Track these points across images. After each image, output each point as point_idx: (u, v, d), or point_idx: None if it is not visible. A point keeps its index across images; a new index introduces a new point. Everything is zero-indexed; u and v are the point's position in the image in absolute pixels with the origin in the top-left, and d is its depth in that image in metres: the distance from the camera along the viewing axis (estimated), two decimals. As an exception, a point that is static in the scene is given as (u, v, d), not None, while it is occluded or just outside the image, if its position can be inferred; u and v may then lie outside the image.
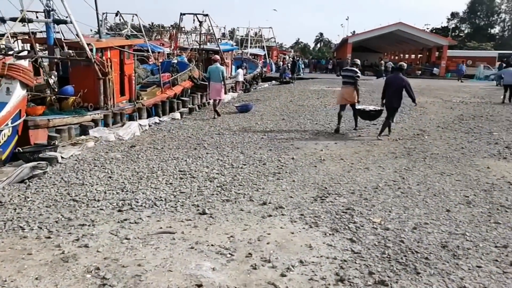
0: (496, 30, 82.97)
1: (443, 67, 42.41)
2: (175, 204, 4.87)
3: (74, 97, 12.53)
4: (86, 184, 5.71)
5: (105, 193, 5.31)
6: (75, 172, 6.33)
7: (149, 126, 11.08)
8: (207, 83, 22.52)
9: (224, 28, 53.09)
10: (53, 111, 11.55)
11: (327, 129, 10.33)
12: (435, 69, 42.53)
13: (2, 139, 9.12)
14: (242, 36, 51.09)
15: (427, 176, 6.28)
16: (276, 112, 13.63)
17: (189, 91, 19.69)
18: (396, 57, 62.45)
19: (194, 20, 27.20)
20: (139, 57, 26.87)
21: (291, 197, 5.21)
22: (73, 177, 6.07)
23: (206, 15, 26.57)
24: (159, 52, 29.01)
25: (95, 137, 9.39)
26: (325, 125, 10.96)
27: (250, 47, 48.17)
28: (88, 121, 11.17)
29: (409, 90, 9.73)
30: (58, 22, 12.06)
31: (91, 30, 29.78)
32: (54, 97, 12.13)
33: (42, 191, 5.44)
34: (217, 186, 5.62)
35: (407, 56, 58.74)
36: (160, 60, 22.77)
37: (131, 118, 13.38)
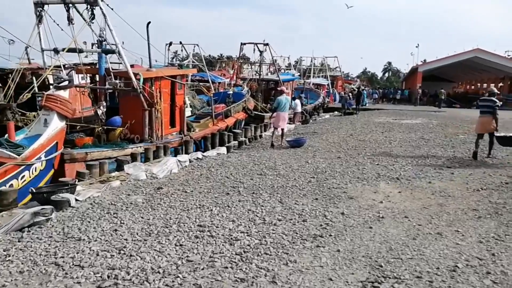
0: None
1: (528, 97, 38.01)
2: (172, 282, 3.70)
3: (121, 128, 12.14)
4: (83, 240, 4.75)
5: (97, 255, 4.29)
6: (81, 221, 5.44)
7: (190, 162, 10.19)
8: (263, 114, 21.94)
9: (288, 58, 52.92)
10: (98, 144, 11.18)
11: (389, 173, 8.70)
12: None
13: (33, 173, 8.69)
14: (307, 66, 50.33)
15: (528, 252, 4.54)
16: (332, 148, 12.18)
17: (243, 122, 18.88)
18: (473, 87, 57.85)
19: (254, 50, 26.83)
20: (197, 87, 26.99)
21: (331, 279, 3.80)
22: (76, 228, 5.17)
23: (267, 44, 26.08)
24: (219, 83, 28.95)
25: (127, 174, 8.65)
26: (388, 167, 9.33)
27: (314, 76, 47.18)
28: (127, 154, 10.58)
29: None
30: (106, 52, 11.82)
31: (156, 61, 30.64)
32: (100, 128, 11.82)
33: (31, 246, 4.56)
34: (236, 254, 4.37)
35: (485, 85, 54.04)
36: (221, 90, 22.43)
37: (176, 151, 12.71)
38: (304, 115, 27.03)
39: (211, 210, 5.95)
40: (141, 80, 11.86)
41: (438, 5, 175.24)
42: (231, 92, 20.15)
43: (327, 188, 7.37)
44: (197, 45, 27.34)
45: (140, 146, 11.34)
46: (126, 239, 4.78)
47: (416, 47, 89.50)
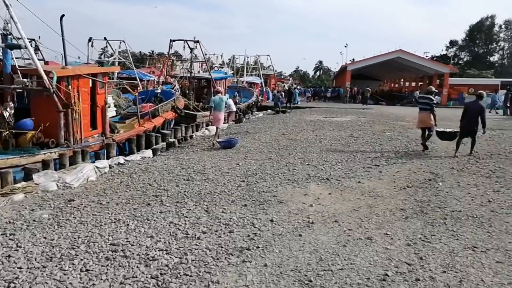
0: (495, 58, 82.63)
1: (445, 95, 41.12)
2: (68, 322, 3.09)
3: (32, 132, 10.93)
4: (-38, 273, 3.93)
5: (-23, 293, 3.54)
6: (-35, 247, 4.56)
7: (110, 168, 9.36)
8: (195, 113, 21.26)
9: (222, 56, 52.43)
10: (2, 150, 9.92)
11: (319, 173, 8.59)
12: (436, 97, 41.10)
13: None
14: (241, 64, 50.17)
15: (454, 253, 4.50)
16: (264, 148, 11.93)
17: (172, 122, 18.08)
18: (396, 85, 61.47)
19: (184, 47, 26.00)
20: (124, 85, 25.58)
21: (256, 301, 3.42)
22: (-44, 256, 4.30)
23: (197, 41, 25.41)
24: (148, 81, 27.69)
25: (36, 184, 7.67)
26: (318, 167, 9.23)
27: (247, 75, 47.16)
28: (38, 162, 9.49)
29: (484, 117, 10.50)
30: (11, 47, 10.53)
31: (78, 58, 28.59)
32: (7, 132, 10.52)
33: None
34: (151, 277, 3.84)
35: (407, 83, 57.69)
36: (159, 88, 21.33)
37: (97, 156, 11.71)
38: (238, 113, 26.75)
39: (128, 224, 5.33)
40: (54, 78, 10.76)
41: (364, 8, 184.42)
42: (159, 90, 19.24)
43: (257, 192, 7.03)
44: (123, 41, 25.95)
45: (54, 152, 10.25)
46: (20, 268, 4.03)
47: (345, 46, 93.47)
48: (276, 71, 70.87)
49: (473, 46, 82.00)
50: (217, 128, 13.77)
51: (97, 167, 8.75)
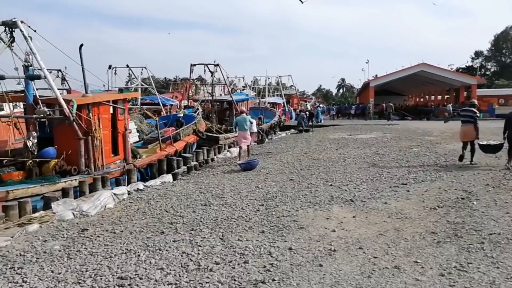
0: (524, 66, 79.90)
1: (475, 107, 39.74)
2: None
3: (55, 160, 11.01)
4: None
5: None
6: (-29, 284, 4.41)
7: (129, 194, 9.23)
8: (217, 135, 21.19)
9: (243, 78, 52.83)
10: (25, 179, 9.99)
11: (343, 194, 8.16)
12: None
13: None
14: (263, 86, 50.28)
15: (495, 284, 4.01)
16: (285, 169, 11.59)
17: (194, 146, 18.02)
18: (421, 99, 60.18)
19: (205, 71, 26.24)
20: (148, 110, 25.90)
21: None
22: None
23: (217, 65, 25.55)
24: (171, 105, 28.00)
25: (53, 213, 7.58)
26: (342, 187, 8.80)
27: (269, 95, 47.19)
28: (58, 190, 9.47)
29: None
30: (31, 78, 10.71)
31: (103, 86, 29.31)
32: (31, 161, 10.63)
33: None
34: (157, 316, 3.54)
35: (433, 97, 56.38)
36: (181, 112, 21.46)
37: (118, 182, 11.66)
38: (260, 134, 26.56)
39: (139, 255, 5.08)
40: (75, 106, 10.86)
41: (384, 23, 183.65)
42: (181, 114, 19.31)
43: (276, 217, 6.67)
44: (145, 67, 26.40)
45: (74, 179, 10.24)
46: (21, 306, 3.82)
47: (366, 63, 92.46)
48: (298, 90, 70.71)
49: (499, 56, 79.78)
50: (240, 147, 14.14)
51: (115, 194, 8.63)
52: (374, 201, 7.63)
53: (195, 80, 32.52)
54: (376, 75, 56.37)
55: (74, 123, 10.68)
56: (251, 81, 55.31)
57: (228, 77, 49.07)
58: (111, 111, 12.82)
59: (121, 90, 13.93)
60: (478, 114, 11.35)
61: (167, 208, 7.59)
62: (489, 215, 6.45)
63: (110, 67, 24.71)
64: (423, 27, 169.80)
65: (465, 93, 43.98)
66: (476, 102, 12.09)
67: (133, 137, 17.04)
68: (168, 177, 10.99)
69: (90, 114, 11.53)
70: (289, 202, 7.65)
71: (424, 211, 6.84)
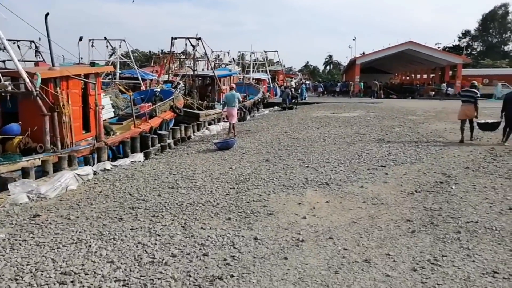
0: (510, 47, 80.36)
1: (458, 86, 39.70)
2: None
3: (20, 137, 10.39)
4: None
5: None
6: None
7: (94, 174, 8.72)
8: (197, 112, 20.61)
9: (228, 53, 51.70)
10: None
11: (319, 177, 7.80)
12: (449, 89, 39.83)
13: None
14: (250, 61, 49.25)
15: (469, 281, 3.71)
16: (263, 149, 11.18)
17: (172, 122, 17.43)
18: (407, 77, 60.08)
19: (186, 45, 25.33)
20: (131, 84, 25.01)
21: None
22: None
23: (199, 38, 24.64)
24: (151, 80, 27.13)
25: (8, 196, 7.05)
26: (318, 169, 8.45)
27: (254, 71, 46.33)
28: (17, 169, 8.89)
29: None
30: (-11, 48, 9.94)
31: (81, 58, 28.18)
32: (-8, 137, 10.00)
33: None
34: (94, 321, 3.14)
35: (418, 76, 56.30)
36: (158, 88, 20.67)
37: (87, 161, 11.10)
38: (242, 111, 26.01)
39: (90, 245, 4.64)
40: (39, 80, 10.16)
41: (372, 1, 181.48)
42: (158, 89, 18.60)
43: (245, 201, 6.29)
44: (124, 40, 25.35)
45: (38, 158, 9.66)
46: None
47: (353, 40, 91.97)
48: (284, 66, 69.82)
49: (486, 35, 79.87)
50: (230, 123, 14.17)
51: (78, 174, 8.11)
52: (350, 184, 7.30)
53: (180, 54, 31.41)
54: (363, 53, 55.82)
55: (38, 98, 10.01)
56: (237, 56, 54.26)
57: (212, 52, 48.04)
58: (82, 86, 12.15)
59: (92, 64, 13.11)
60: (479, 95, 11.83)
61: (131, 190, 7.13)
62: (467, 201, 6.17)
63: (81, 38, 23.60)
64: (413, 5, 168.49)
65: (451, 72, 43.91)
66: (476, 83, 12.43)
67: (107, 113, 16.35)
68: (139, 156, 10.49)
69: (58, 88, 10.87)
70: (261, 185, 7.27)
71: (401, 196, 6.54)
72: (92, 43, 24.95)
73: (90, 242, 4.75)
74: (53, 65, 11.88)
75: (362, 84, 40.06)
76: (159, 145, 12.79)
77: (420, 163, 8.94)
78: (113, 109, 16.99)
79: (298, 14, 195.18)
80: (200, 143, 13.15)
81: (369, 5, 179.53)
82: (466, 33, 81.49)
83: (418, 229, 5.04)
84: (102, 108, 13.15)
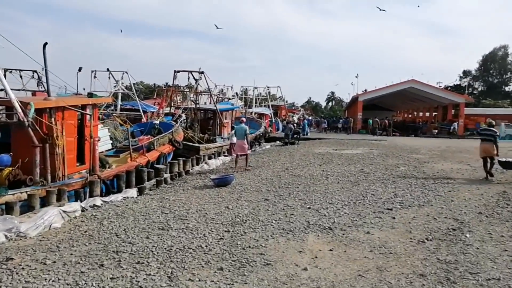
0: (511, 87, 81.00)
1: (462, 125, 39.52)
2: None
3: (9, 169, 9.98)
4: None
5: None
6: None
7: (83, 211, 8.20)
8: (197, 145, 20.25)
9: (232, 87, 52.11)
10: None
11: (321, 220, 7.26)
12: (452, 127, 39.60)
13: None
14: (252, 96, 49.38)
15: None
16: (262, 186, 10.67)
17: (170, 156, 17.01)
18: (410, 115, 60.14)
19: (188, 78, 25.34)
20: (132, 117, 24.80)
21: None
22: None
23: (202, 72, 24.66)
24: (152, 113, 26.98)
25: (-15, 234, 6.51)
26: (321, 211, 7.91)
27: (256, 106, 46.43)
28: (1, 204, 8.39)
29: None
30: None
31: (84, 89, 28.21)
32: (-19, 169, 9.59)
33: None
34: None
35: (421, 114, 56.31)
36: (158, 120, 20.40)
37: (77, 196, 10.59)
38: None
39: (59, 301, 4.08)
40: (32, 110, 9.85)
41: (373, 41, 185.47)
42: (157, 122, 18.32)
43: (241, 248, 5.74)
44: (126, 72, 25.37)
45: (26, 191, 9.17)
46: None
47: (356, 77, 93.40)
48: (287, 101, 70.18)
49: (487, 76, 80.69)
50: (237, 155, 14.29)
51: (64, 211, 7.59)
52: (355, 229, 6.75)
53: (184, 88, 31.40)
54: (365, 90, 56.15)
55: (30, 128, 9.65)
56: (241, 91, 54.61)
57: (216, 86, 48.37)
58: (79, 117, 11.83)
59: (90, 95, 12.87)
60: (498, 133, 12.35)
61: (118, 231, 6.59)
62: (485, 253, 5.61)
63: (80, 69, 23.61)
64: (415, 45, 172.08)
65: (453, 111, 43.83)
66: (494, 122, 12.95)
67: (105, 145, 15.99)
68: (132, 192, 9.98)
69: (52, 119, 10.55)
70: (259, 228, 6.72)
71: (411, 245, 5.98)
72: (95, 74, 25.00)
73: (60, 296, 4.20)
74: (48, 95, 11.61)
75: (370, 121, 39.40)
76: (155, 180, 12.29)
77: (428, 207, 8.40)
78: (111, 141, 16.65)
79: (302, 51, 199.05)
80: (198, 178, 12.65)
81: (370, 44, 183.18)
82: (467, 73, 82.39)
83: (433, 287, 4.46)
84: (98, 140, 12.77)
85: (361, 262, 5.26)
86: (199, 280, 4.57)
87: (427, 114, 53.77)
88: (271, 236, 6.31)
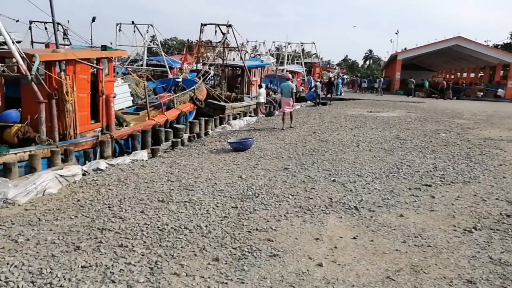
0: None
1: (510, 87, 36.33)
2: None
3: (18, 125, 9.48)
4: None
5: None
6: None
7: (84, 175, 7.52)
8: (222, 104, 19.33)
9: (264, 43, 50.16)
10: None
11: (347, 196, 6.22)
12: (499, 90, 36.55)
13: None
14: (288, 53, 47.17)
15: None
16: (284, 152, 9.67)
17: (192, 115, 16.18)
18: (452, 76, 56.31)
19: (216, 32, 24.02)
20: (159, 72, 23.99)
21: None
22: None
23: (230, 25, 23.28)
24: (180, 69, 26.06)
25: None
26: (347, 185, 6.86)
27: (288, 63, 44.48)
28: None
29: None
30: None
31: (110, 43, 27.46)
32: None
33: None
34: None
35: (465, 74, 52.53)
36: (180, 77, 19.51)
37: (87, 156, 9.99)
38: (271, 105, 24.49)
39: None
40: (36, 63, 9.13)
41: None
42: (180, 79, 17.39)
43: (246, 230, 4.83)
44: (151, 25, 24.29)
45: (29, 151, 8.60)
46: None
47: (396, 33, 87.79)
48: (322, 59, 67.34)
49: (541, 33, 73.81)
50: (284, 113, 14.05)
51: (60, 175, 6.90)
52: (386, 210, 5.69)
53: (216, 43, 30.01)
54: (405, 48, 52.61)
55: (33, 82, 8.94)
56: (275, 47, 52.49)
57: (248, 42, 46.53)
58: (93, 71, 11.09)
59: (104, 47, 12.01)
60: None
61: (113, 202, 5.83)
62: (551, 251, 4.46)
63: (93, 19, 22.66)
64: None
65: (502, 71, 40.36)
66: None
67: (125, 102, 15.36)
68: (142, 154, 9.21)
69: (62, 73, 9.82)
70: (272, 205, 5.78)
71: (455, 235, 4.88)
72: (120, 27, 24.08)
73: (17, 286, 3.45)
74: (57, 47, 10.84)
75: (427, 83, 36.68)
76: (170, 141, 11.52)
77: (475, 184, 7.17)
78: (132, 98, 15.97)
79: (339, 6, 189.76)
80: (217, 140, 11.77)
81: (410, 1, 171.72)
82: (519, 31, 75.76)
83: (486, 301, 3.42)
84: (114, 97, 12.02)
85: (391, 257, 4.25)
86: (186, 275, 3.72)
87: (472, 75, 50.03)
88: (284, 216, 5.36)
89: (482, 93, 36.61)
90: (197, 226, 4.90)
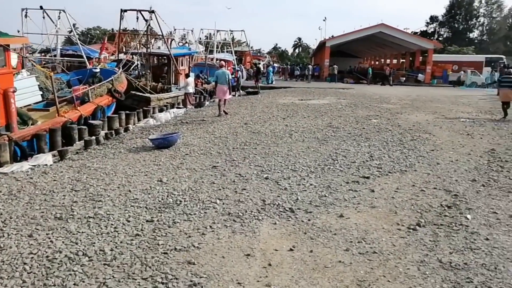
0: (475, 34, 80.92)
1: (429, 72, 38.52)
2: None
3: None
4: None
5: None
6: None
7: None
8: (147, 95, 17.96)
9: (192, 31, 48.61)
10: None
11: (281, 197, 5.54)
12: (419, 75, 38.63)
13: None
14: (218, 42, 45.87)
15: None
16: (213, 147, 8.83)
17: (111, 109, 14.72)
18: (377, 62, 58.81)
19: (137, 18, 22.29)
20: (74, 63, 21.84)
21: None
22: None
23: (152, 11, 21.72)
24: (99, 59, 23.97)
25: None
26: (281, 182, 6.20)
27: (218, 51, 43.37)
28: None
29: None
30: None
31: (18, 31, 24.47)
32: None
33: None
34: None
35: (388, 60, 55.01)
36: (98, 67, 17.67)
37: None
38: (201, 95, 23.45)
39: None
40: None
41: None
42: (97, 69, 15.75)
43: (162, 252, 3.94)
44: (63, 11, 21.91)
45: None
46: None
47: (324, 20, 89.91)
48: (252, 47, 66.96)
49: (453, 22, 79.74)
50: (220, 100, 14.15)
51: None
52: (324, 210, 5.10)
53: (140, 31, 27.98)
54: (332, 36, 53.75)
55: None
56: (204, 36, 51.08)
57: (175, 30, 44.63)
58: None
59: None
60: None
61: (-9, 225, 4.62)
62: (498, 247, 4.12)
63: (41, 8, 20.04)
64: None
65: (421, 57, 42.65)
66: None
67: (32, 97, 13.53)
68: (46, 158, 7.87)
69: None
70: (196, 213, 4.93)
71: (399, 236, 4.40)
72: (26, 13, 21.41)
73: None
74: None
75: (370, 69, 37.67)
76: (83, 141, 10.17)
77: (412, 172, 6.88)
78: (41, 92, 14.14)
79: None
80: (138, 137, 10.60)
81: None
82: (433, 19, 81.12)
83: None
84: (14, 91, 10.36)
85: (334, 272, 3.62)
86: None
87: (395, 61, 52.50)
88: (210, 227, 4.54)
89: (404, 78, 38.38)
90: (100, 251, 3.92)
